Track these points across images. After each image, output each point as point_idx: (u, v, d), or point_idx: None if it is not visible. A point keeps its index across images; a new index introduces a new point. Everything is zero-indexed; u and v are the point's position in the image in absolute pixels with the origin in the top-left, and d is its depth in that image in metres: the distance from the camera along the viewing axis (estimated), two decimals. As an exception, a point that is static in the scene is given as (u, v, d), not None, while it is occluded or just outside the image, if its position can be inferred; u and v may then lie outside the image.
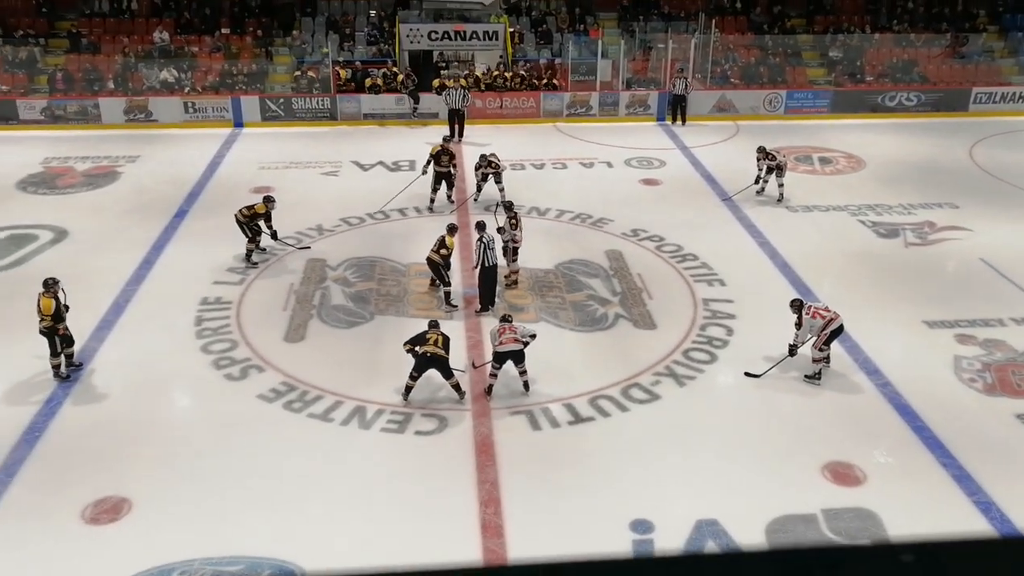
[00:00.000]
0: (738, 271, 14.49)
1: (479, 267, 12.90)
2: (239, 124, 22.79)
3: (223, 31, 24.99)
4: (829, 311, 11.34)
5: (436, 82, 23.27)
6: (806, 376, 11.36)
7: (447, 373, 10.78)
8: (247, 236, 14.59)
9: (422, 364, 10.67)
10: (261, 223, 14.66)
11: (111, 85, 23.40)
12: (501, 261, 13.37)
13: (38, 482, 9.48)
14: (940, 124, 23.63)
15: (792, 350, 11.40)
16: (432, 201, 17.15)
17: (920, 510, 9.12)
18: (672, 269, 14.60)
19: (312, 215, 16.60)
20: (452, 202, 17.31)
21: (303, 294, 13.64)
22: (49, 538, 8.71)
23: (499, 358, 10.82)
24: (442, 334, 10.88)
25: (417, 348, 10.67)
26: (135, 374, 11.44)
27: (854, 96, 24.55)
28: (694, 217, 16.80)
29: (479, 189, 17.17)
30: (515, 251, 13.77)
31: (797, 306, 11.50)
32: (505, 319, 11.19)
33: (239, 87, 23.58)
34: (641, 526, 8.86)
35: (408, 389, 10.78)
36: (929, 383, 11.37)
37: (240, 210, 14.65)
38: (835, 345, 11.72)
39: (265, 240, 14.84)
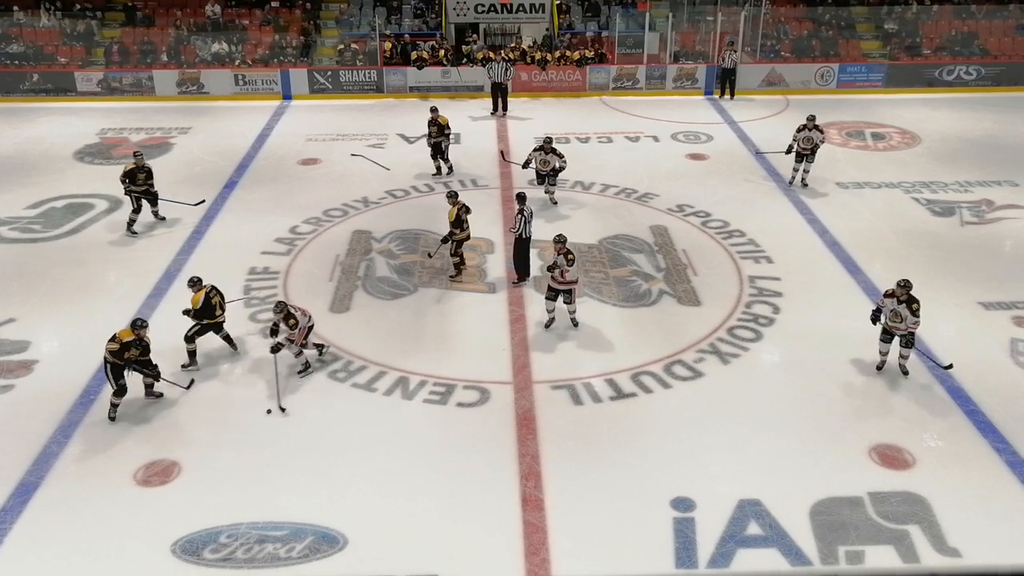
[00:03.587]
0: (786, 248, 14.31)
1: (516, 237, 12.92)
2: (288, 96, 22.98)
3: (273, 4, 25.13)
4: None
5: (480, 54, 23.23)
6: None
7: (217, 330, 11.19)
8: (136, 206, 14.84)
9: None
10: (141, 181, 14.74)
11: (165, 58, 23.69)
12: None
13: (92, 444, 9.72)
14: (1001, 99, 23.04)
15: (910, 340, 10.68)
16: (438, 170, 17.36)
17: (971, 496, 8.95)
18: (718, 245, 14.46)
19: (358, 188, 16.71)
20: (451, 172, 17.49)
21: (348, 265, 13.75)
22: (103, 498, 8.94)
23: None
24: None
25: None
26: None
27: (910, 70, 24.00)
28: (741, 193, 16.60)
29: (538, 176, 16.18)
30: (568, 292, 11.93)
31: (908, 288, 10.52)
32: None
33: (288, 60, 23.72)
34: (682, 504, 8.84)
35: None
36: (984, 366, 11.12)
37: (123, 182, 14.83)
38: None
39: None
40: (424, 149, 18.67)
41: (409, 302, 12.77)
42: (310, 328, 11.02)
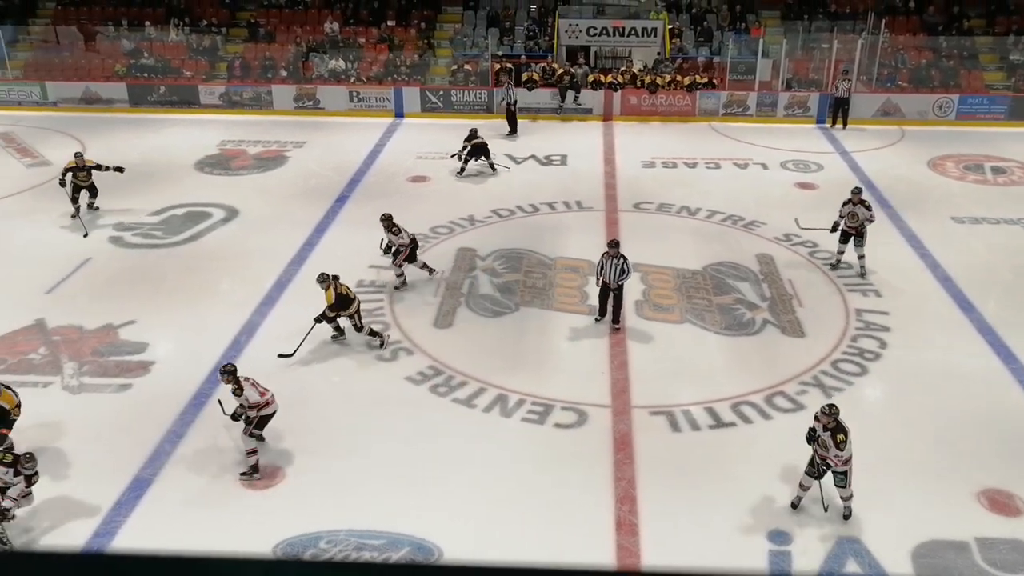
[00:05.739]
0: (895, 282, 13.95)
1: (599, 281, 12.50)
2: (400, 114, 23.54)
3: (389, 23, 25.80)
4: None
5: (591, 77, 23.40)
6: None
7: None
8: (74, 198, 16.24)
9: None
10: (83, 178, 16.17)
11: (283, 73, 24.57)
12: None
13: (203, 445, 10.14)
14: None
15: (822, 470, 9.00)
16: (461, 170, 18.58)
17: (1085, 547, 8.59)
18: (825, 277, 14.19)
19: (465, 206, 16.99)
20: (495, 169, 18.91)
21: (453, 282, 14.00)
22: (211, 497, 9.34)
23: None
24: None
25: None
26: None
27: (1036, 102, 23.11)
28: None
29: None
30: (396, 253, 13.56)
31: (835, 415, 8.89)
32: None
33: (401, 78, 24.32)
34: (779, 537, 8.71)
35: None
36: (1102, 413, 10.65)
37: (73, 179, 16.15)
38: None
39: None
40: (531, 169, 19.05)
41: (510, 320, 12.93)
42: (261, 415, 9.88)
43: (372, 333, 12.04)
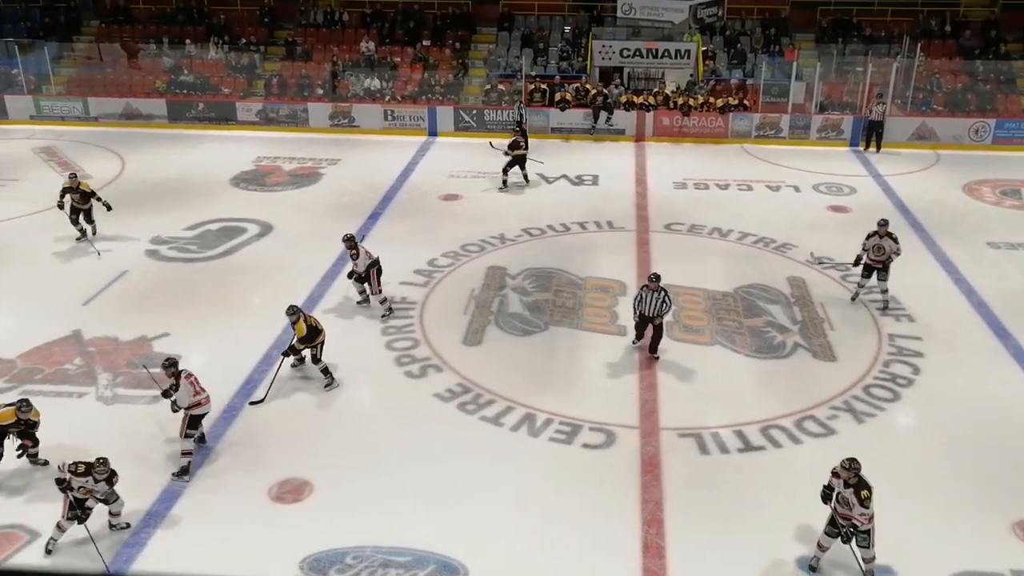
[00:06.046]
0: (928, 307, 13.81)
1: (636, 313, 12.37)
2: (433, 133, 23.71)
3: (424, 43, 26.04)
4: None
5: (624, 98, 23.45)
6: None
7: None
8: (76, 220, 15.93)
9: None
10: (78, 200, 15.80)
11: (320, 91, 24.85)
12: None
13: (232, 457, 10.24)
14: None
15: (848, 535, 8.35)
16: (504, 183, 19.09)
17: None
18: (857, 301, 14.06)
19: (496, 224, 17.05)
20: (527, 180, 19.46)
21: (483, 300, 14.05)
22: (239, 510, 9.40)
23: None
24: None
25: None
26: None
27: (1075, 128, 22.83)
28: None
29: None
30: (357, 277, 13.37)
31: (856, 470, 8.31)
32: None
33: (435, 97, 24.51)
34: (808, 564, 8.62)
35: None
36: None
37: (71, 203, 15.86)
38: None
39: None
40: (563, 189, 19.08)
41: (540, 339, 12.94)
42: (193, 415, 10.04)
43: (325, 371, 11.70)
